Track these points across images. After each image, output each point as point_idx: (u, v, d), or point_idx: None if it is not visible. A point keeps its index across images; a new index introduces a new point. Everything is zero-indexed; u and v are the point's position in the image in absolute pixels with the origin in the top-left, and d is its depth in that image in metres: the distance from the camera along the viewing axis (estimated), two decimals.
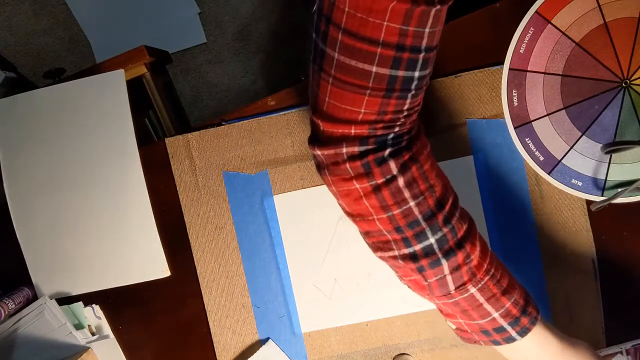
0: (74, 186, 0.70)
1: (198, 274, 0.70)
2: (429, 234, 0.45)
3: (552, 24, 0.60)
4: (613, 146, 0.60)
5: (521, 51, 0.61)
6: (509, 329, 0.48)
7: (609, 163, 0.62)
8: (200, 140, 0.69)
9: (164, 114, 1.14)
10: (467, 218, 0.49)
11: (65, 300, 0.71)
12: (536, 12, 0.60)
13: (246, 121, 0.68)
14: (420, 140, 0.47)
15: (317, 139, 0.47)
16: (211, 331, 0.71)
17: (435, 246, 0.45)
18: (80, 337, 0.70)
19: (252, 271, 0.69)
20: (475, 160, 0.65)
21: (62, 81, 0.72)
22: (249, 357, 0.69)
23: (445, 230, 0.45)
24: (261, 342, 0.70)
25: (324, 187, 0.54)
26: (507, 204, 0.65)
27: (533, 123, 0.62)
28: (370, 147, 0.44)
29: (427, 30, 0.41)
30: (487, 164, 0.65)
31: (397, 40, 0.40)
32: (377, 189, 0.45)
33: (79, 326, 0.71)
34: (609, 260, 0.64)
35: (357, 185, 0.45)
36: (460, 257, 0.46)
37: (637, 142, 0.59)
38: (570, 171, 0.62)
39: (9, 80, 1.24)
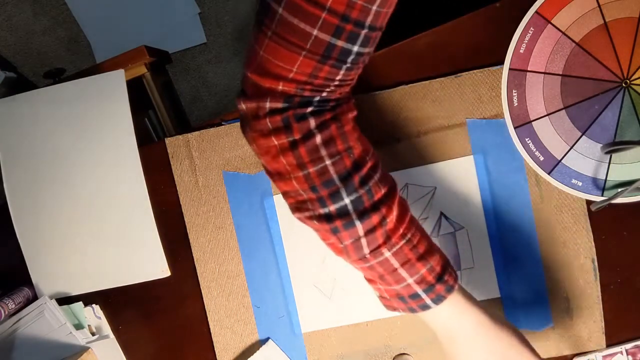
0: (74, 186, 0.70)
1: (198, 274, 0.70)
2: (343, 194, 0.45)
3: (552, 24, 0.60)
4: (613, 146, 0.60)
5: (521, 51, 0.61)
6: (423, 295, 0.48)
7: (609, 163, 0.62)
8: (200, 140, 0.69)
9: (164, 114, 1.14)
10: (389, 182, 0.48)
11: (65, 300, 0.71)
12: (536, 12, 0.60)
13: None
14: (348, 105, 0.48)
15: (244, 93, 0.47)
16: (211, 331, 0.71)
17: (350, 207, 0.45)
18: (80, 337, 0.70)
19: (252, 271, 0.69)
20: (475, 160, 0.65)
21: (62, 81, 0.72)
22: (249, 357, 0.69)
23: (361, 191, 0.45)
24: (261, 342, 0.70)
25: None
26: (507, 204, 0.65)
27: (533, 123, 0.62)
28: (293, 104, 0.44)
29: (374, 8, 0.41)
30: (487, 164, 0.65)
31: (344, 10, 0.40)
32: (294, 145, 0.44)
33: (79, 326, 0.71)
34: (609, 260, 0.64)
35: (275, 142, 0.45)
36: (375, 219, 0.45)
37: (637, 142, 0.59)
38: (570, 171, 0.62)
39: (9, 80, 1.24)
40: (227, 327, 0.70)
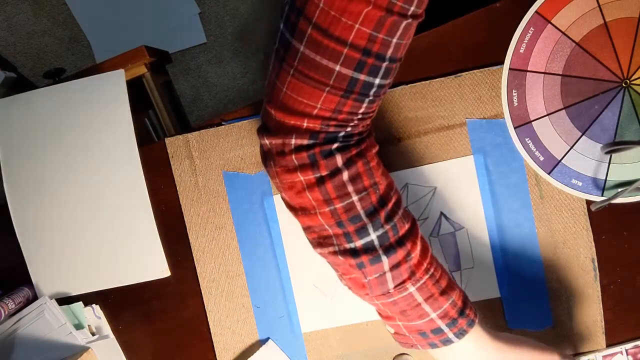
0: (74, 186, 0.70)
1: (198, 274, 0.70)
2: (370, 229, 0.45)
3: (552, 24, 0.60)
4: (613, 146, 0.60)
5: (521, 51, 0.61)
6: (446, 330, 0.48)
7: (609, 163, 0.62)
8: (200, 140, 0.69)
9: (164, 114, 1.14)
10: (410, 218, 0.49)
11: (65, 300, 0.71)
12: (536, 12, 0.60)
13: (246, 121, 0.68)
14: (370, 140, 0.48)
15: (266, 128, 0.47)
16: (211, 331, 0.71)
17: (376, 242, 0.46)
18: (80, 337, 0.70)
19: (252, 271, 0.69)
20: (475, 160, 0.65)
21: (62, 81, 0.72)
22: (249, 357, 0.69)
23: (387, 227, 0.46)
24: (261, 342, 0.70)
25: None
26: (507, 204, 0.65)
27: (533, 123, 0.62)
28: (319, 141, 0.45)
29: (394, 40, 0.41)
30: (487, 164, 0.65)
31: (365, 44, 0.40)
32: (320, 181, 0.45)
33: (79, 326, 0.71)
34: (609, 260, 0.64)
35: (301, 177, 0.45)
36: (400, 254, 0.46)
37: (637, 142, 0.59)
38: (570, 171, 0.62)
39: (9, 80, 1.24)
40: (227, 327, 0.70)
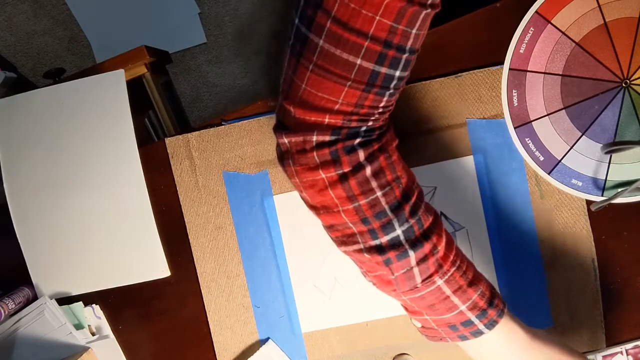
0: (74, 186, 0.70)
1: (198, 274, 0.70)
2: (396, 224, 0.45)
3: (552, 24, 0.60)
4: (613, 146, 0.60)
5: (521, 51, 0.61)
6: (476, 321, 0.47)
7: (609, 163, 0.62)
8: (200, 140, 0.69)
9: (164, 114, 1.15)
10: (433, 211, 0.48)
11: (65, 300, 0.71)
12: (536, 12, 0.60)
13: (246, 121, 0.68)
14: (390, 134, 0.48)
15: (284, 126, 0.46)
16: (211, 331, 0.71)
17: (402, 237, 0.45)
18: (80, 337, 0.70)
19: (252, 271, 0.69)
20: (475, 160, 0.65)
21: (62, 81, 0.72)
22: (249, 357, 0.69)
23: (412, 221, 0.45)
24: (261, 342, 0.70)
25: None
26: (507, 204, 0.65)
27: (533, 123, 0.62)
28: (341, 137, 0.44)
29: (414, 31, 0.41)
30: (487, 164, 0.65)
31: (386, 36, 0.40)
32: (343, 177, 0.44)
33: (79, 326, 0.71)
34: (609, 260, 0.64)
35: (323, 175, 0.44)
36: (427, 248, 0.45)
37: (637, 142, 0.59)
38: (570, 171, 0.62)
39: (9, 80, 1.24)
40: (227, 327, 0.70)
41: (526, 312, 0.66)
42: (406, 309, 0.51)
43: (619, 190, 0.61)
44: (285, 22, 1.56)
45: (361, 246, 0.46)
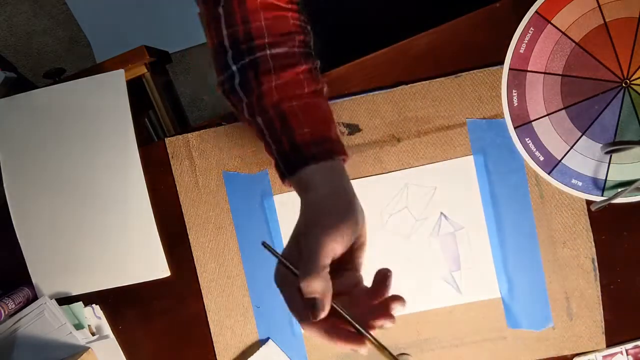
0: (74, 186, 0.70)
1: (198, 274, 0.70)
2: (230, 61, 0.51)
3: (552, 24, 0.60)
4: (613, 146, 0.60)
5: (521, 51, 0.61)
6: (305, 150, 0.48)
7: (609, 163, 0.62)
8: (200, 140, 0.69)
9: (164, 114, 1.15)
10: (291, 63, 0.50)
11: (65, 300, 0.71)
12: (536, 12, 0.60)
13: None
14: None
15: None
16: (211, 331, 0.71)
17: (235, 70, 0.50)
18: (80, 337, 0.70)
19: (252, 271, 0.69)
20: (475, 160, 0.65)
21: (62, 81, 0.72)
22: (249, 357, 0.69)
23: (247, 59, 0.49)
24: (261, 342, 0.70)
25: None
26: (507, 204, 0.65)
27: (533, 123, 0.62)
28: None
29: None
30: (487, 164, 0.65)
31: None
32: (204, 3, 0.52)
33: (79, 326, 0.71)
34: (609, 260, 0.64)
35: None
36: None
37: (637, 142, 0.59)
38: (570, 171, 0.62)
39: (9, 80, 1.24)
40: (227, 327, 0.70)
41: (526, 312, 0.66)
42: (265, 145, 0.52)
43: (619, 190, 0.61)
44: None
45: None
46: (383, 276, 0.48)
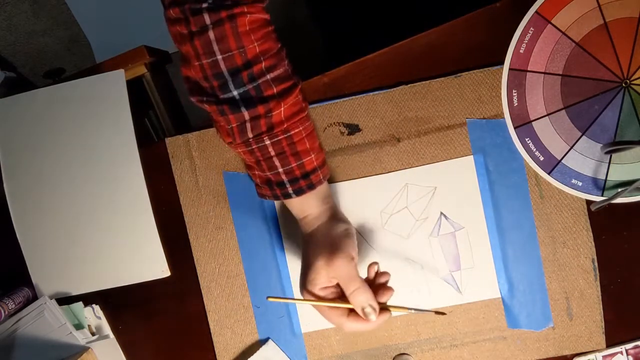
0: (74, 186, 0.70)
1: (198, 274, 0.70)
2: (231, 86, 0.50)
3: (552, 24, 0.60)
4: (613, 146, 0.60)
5: (521, 51, 0.61)
6: (287, 185, 0.55)
7: (609, 163, 0.62)
8: (200, 140, 0.69)
9: (164, 114, 1.14)
10: (289, 84, 0.53)
11: (65, 300, 0.71)
12: (536, 12, 0.60)
13: None
14: (249, 7, 0.50)
15: None
16: (211, 331, 0.71)
17: (238, 97, 0.51)
18: (80, 337, 0.70)
19: (252, 271, 0.69)
20: (475, 160, 0.65)
21: (62, 81, 0.72)
22: (249, 357, 0.69)
23: (249, 86, 0.50)
24: (261, 342, 0.70)
25: None
26: (507, 204, 0.65)
27: (533, 123, 0.62)
28: None
29: None
30: (487, 164, 0.65)
31: None
32: (191, 36, 0.49)
33: (79, 326, 0.71)
34: (609, 260, 0.64)
35: (179, 30, 0.50)
36: (260, 109, 0.51)
37: (637, 142, 0.59)
38: (570, 171, 0.62)
39: (9, 80, 1.24)
40: (227, 327, 0.70)
41: (526, 312, 0.66)
42: (245, 164, 0.59)
43: (619, 190, 0.61)
44: (285, 22, 1.56)
45: (203, 97, 0.53)
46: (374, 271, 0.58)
